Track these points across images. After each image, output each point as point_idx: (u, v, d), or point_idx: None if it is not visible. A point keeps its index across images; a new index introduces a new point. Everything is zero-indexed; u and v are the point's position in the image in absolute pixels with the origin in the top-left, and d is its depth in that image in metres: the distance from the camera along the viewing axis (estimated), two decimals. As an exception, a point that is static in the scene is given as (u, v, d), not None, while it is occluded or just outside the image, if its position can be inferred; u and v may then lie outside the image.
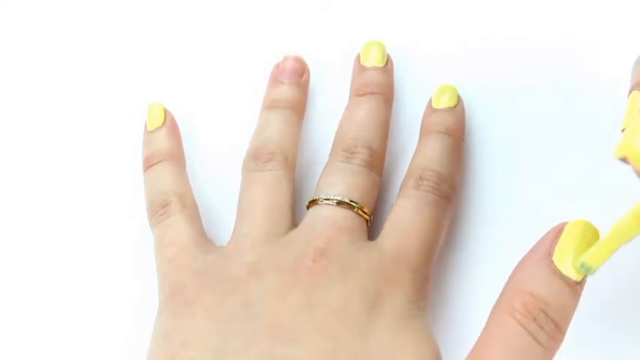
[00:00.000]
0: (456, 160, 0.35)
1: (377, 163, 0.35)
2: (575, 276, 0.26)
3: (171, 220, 0.34)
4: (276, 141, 0.35)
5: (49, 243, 0.38)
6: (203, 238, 0.34)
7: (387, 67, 0.37)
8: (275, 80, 0.38)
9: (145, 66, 0.40)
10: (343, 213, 0.33)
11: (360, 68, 0.37)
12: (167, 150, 0.37)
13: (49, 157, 0.39)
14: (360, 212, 0.33)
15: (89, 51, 0.41)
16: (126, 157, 0.38)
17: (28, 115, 0.40)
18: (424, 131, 0.36)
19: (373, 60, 0.37)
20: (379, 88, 0.36)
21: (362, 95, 0.36)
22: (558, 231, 0.27)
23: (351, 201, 0.33)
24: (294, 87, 0.37)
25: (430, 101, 0.36)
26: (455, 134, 0.35)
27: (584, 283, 0.27)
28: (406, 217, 0.33)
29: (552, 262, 0.26)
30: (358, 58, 0.37)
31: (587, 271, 0.26)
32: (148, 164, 0.36)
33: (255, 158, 0.35)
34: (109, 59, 0.40)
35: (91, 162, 0.39)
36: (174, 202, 0.35)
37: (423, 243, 0.32)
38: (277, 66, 0.38)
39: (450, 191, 0.34)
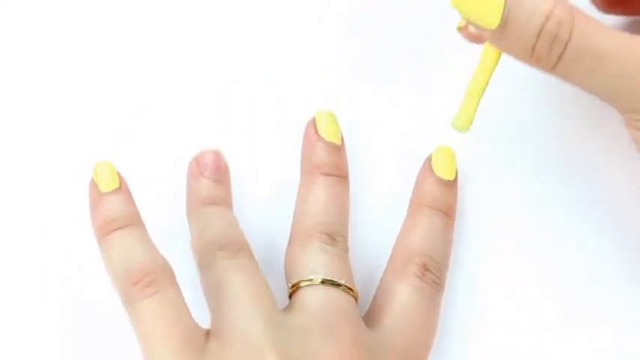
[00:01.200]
0: (450, 242, 0.35)
1: (343, 240, 0.34)
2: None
3: (165, 296, 0.31)
4: (226, 231, 0.34)
5: (48, 242, 0.37)
6: (194, 327, 0.31)
7: (342, 144, 0.36)
8: (199, 176, 0.36)
9: (145, 66, 0.40)
10: (346, 298, 0.32)
11: (316, 139, 0.36)
12: (130, 214, 0.33)
13: (49, 157, 0.39)
14: (346, 290, 0.33)
15: (89, 51, 0.40)
16: (126, 157, 0.38)
17: (27, 115, 0.40)
18: (423, 201, 0.35)
19: (331, 133, 0.36)
20: (341, 170, 0.36)
21: (326, 175, 0.35)
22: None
23: (350, 286, 0.33)
24: (221, 183, 0.36)
25: (429, 165, 0.36)
26: (451, 213, 0.35)
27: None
28: (411, 312, 0.33)
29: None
30: (313, 126, 0.36)
31: (460, 129, 0.31)
32: (109, 229, 0.32)
33: (222, 248, 0.33)
34: (109, 59, 0.40)
35: (90, 162, 0.38)
36: (160, 273, 0.31)
37: (427, 339, 0.33)
38: (196, 160, 0.37)
39: (445, 282, 0.34)
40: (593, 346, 0.35)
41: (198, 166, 0.36)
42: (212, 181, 0.36)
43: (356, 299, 0.33)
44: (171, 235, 0.36)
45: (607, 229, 0.36)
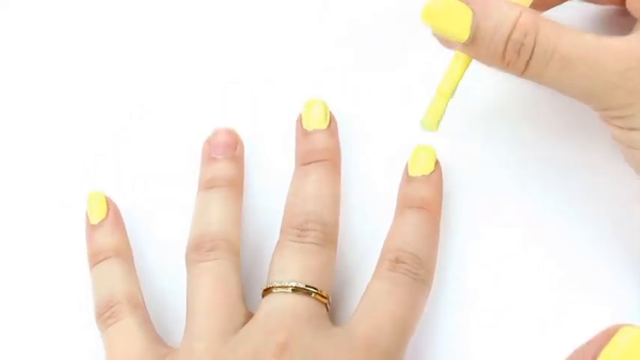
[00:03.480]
0: (433, 238, 0.34)
1: (330, 236, 0.33)
2: None
3: (121, 324, 0.33)
4: (217, 226, 0.34)
5: (48, 242, 0.37)
6: (156, 342, 0.33)
7: (331, 127, 0.36)
8: (208, 157, 0.36)
9: (145, 66, 0.40)
10: (300, 300, 0.31)
11: (302, 132, 0.36)
12: (113, 245, 0.35)
13: (49, 157, 0.39)
14: (318, 298, 0.32)
15: (89, 51, 0.41)
16: (126, 157, 0.38)
17: (27, 115, 0.40)
18: (400, 204, 0.35)
19: (315, 122, 0.36)
20: (325, 154, 0.35)
21: (308, 164, 0.35)
22: (607, 336, 0.24)
23: (307, 286, 0.32)
24: (229, 162, 0.36)
25: (407, 168, 0.35)
26: (431, 207, 0.34)
27: None
28: (379, 300, 0.32)
29: None
30: (300, 120, 0.36)
31: (427, 128, 0.32)
32: (95, 261, 0.35)
33: (198, 248, 0.33)
34: (109, 59, 0.40)
35: (90, 162, 0.39)
36: (124, 304, 0.33)
37: (396, 327, 0.31)
38: (208, 141, 0.37)
39: (426, 276, 0.33)
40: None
41: (208, 148, 0.36)
42: (217, 162, 0.36)
43: (321, 298, 0.32)
44: (172, 236, 0.36)
45: (597, 224, 0.36)
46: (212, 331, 0.31)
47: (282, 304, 0.31)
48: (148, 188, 0.37)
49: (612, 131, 0.31)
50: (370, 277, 0.33)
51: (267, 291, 0.32)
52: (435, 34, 0.32)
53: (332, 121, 0.36)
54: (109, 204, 0.36)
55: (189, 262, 0.33)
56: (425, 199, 0.34)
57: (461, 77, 0.31)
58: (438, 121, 0.32)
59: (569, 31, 0.29)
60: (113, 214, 0.36)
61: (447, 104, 0.32)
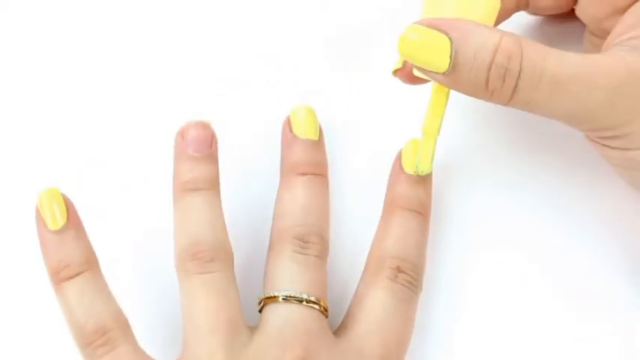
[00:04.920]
0: (425, 244, 0.34)
1: (327, 250, 0.33)
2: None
3: (117, 354, 0.30)
4: (212, 234, 0.32)
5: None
6: None
7: (321, 139, 0.35)
8: (184, 154, 0.33)
9: (145, 67, 0.40)
10: (310, 313, 0.31)
11: (294, 139, 0.35)
12: (83, 257, 0.31)
13: (49, 157, 0.39)
14: (322, 311, 0.32)
15: (88, 52, 0.41)
16: (126, 157, 0.38)
17: (27, 116, 0.40)
18: (394, 204, 0.34)
19: (308, 130, 0.35)
20: (320, 167, 0.35)
21: (303, 175, 0.34)
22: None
23: (316, 299, 0.31)
24: (208, 161, 0.33)
25: (399, 160, 0.35)
26: (425, 211, 0.34)
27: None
28: (385, 316, 0.32)
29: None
30: (289, 125, 0.35)
31: (425, 171, 0.33)
32: (62, 277, 0.30)
33: (193, 258, 0.31)
34: (109, 60, 0.40)
35: (90, 162, 0.39)
36: (116, 330, 0.30)
37: (400, 346, 0.32)
38: (182, 135, 0.33)
39: (420, 284, 0.33)
40: (576, 344, 0.34)
41: (182, 143, 0.33)
42: (195, 161, 0.33)
43: (324, 311, 0.32)
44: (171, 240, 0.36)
45: (591, 228, 0.35)
46: (220, 348, 0.30)
47: (293, 316, 0.31)
48: (148, 188, 0.37)
49: (606, 153, 0.30)
50: (361, 277, 0.33)
51: (270, 299, 0.31)
52: (395, 72, 0.31)
53: (321, 131, 0.36)
54: (67, 203, 0.31)
55: (184, 272, 0.31)
56: (421, 201, 0.34)
57: (444, 113, 0.31)
58: (432, 161, 0.32)
59: (553, 51, 0.28)
60: (74, 216, 0.31)
61: (435, 142, 0.31)
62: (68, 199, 0.31)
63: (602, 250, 0.35)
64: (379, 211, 0.35)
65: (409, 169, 0.34)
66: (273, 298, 0.31)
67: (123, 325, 0.31)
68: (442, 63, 0.28)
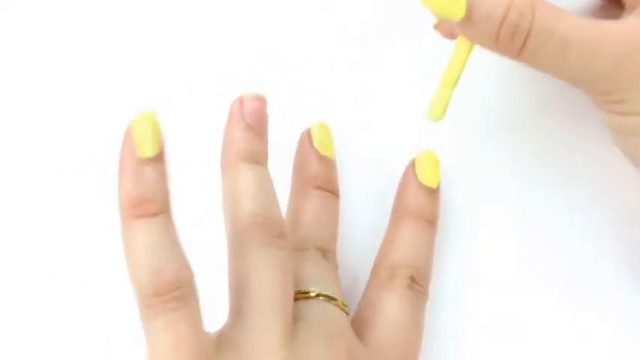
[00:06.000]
0: (433, 251, 0.35)
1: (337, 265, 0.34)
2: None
3: (188, 311, 0.26)
4: (276, 209, 0.30)
5: (48, 243, 0.38)
6: (205, 340, 0.28)
7: (334, 161, 0.36)
8: (241, 123, 0.31)
9: (145, 67, 0.40)
10: (341, 313, 0.31)
11: (316, 154, 0.35)
12: (165, 195, 0.27)
13: (48, 157, 0.39)
14: (347, 313, 0.32)
15: (88, 52, 0.41)
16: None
17: (27, 116, 0.40)
18: (405, 211, 0.34)
19: (329, 148, 0.36)
20: (336, 187, 0.35)
21: (321, 190, 0.34)
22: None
23: (342, 302, 0.32)
24: (263, 135, 0.31)
25: (411, 172, 0.35)
26: (434, 221, 0.35)
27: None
28: (404, 325, 0.32)
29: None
30: (309, 137, 0.35)
31: (434, 118, 0.32)
32: (138, 213, 0.27)
33: (262, 228, 0.29)
34: (109, 61, 0.40)
35: (90, 162, 0.39)
36: (189, 286, 0.27)
37: (417, 353, 0.33)
38: (239, 102, 0.31)
39: (428, 293, 0.34)
40: (584, 350, 0.35)
41: (240, 110, 0.31)
42: (253, 132, 0.31)
43: (347, 315, 0.32)
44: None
45: (599, 230, 0.36)
46: (278, 323, 0.28)
47: (331, 314, 0.31)
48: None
49: (606, 117, 0.31)
50: (370, 283, 0.34)
51: (302, 294, 0.31)
52: (435, 27, 0.32)
53: (334, 154, 0.36)
54: (163, 134, 0.27)
55: (242, 244, 0.29)
56: (431, 211, 0.35)
57: (464, 65, 0.32)
58: (444, 110, 0.32)
59: (567, 13, 0.29)
60: (165, 152, 0.27)
61: (451, 93, 0.32)
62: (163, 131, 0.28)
63: (617, 257, 0.35)
64: (380, 215, 0.35)
65: (424, 178, 0.35)
66: (305, 294, 0.31)
67: (194, 283, 0.27)
68: (458, 12, 0.29)
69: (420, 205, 0.34)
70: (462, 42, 0.32)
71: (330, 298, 0.31)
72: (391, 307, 0.32)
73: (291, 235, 0.33)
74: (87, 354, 0.35)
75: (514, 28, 0.29)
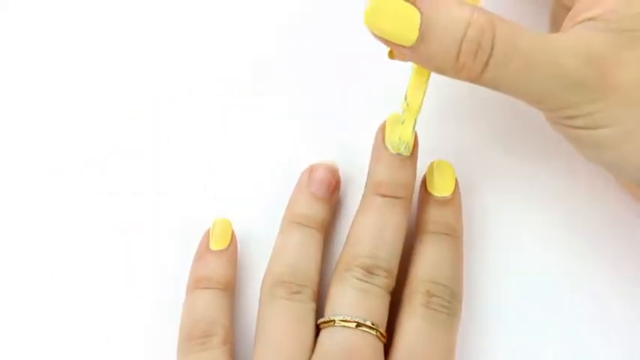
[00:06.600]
0: (460, 264, 0.33)
1: (391, 284, 0.32)
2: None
3: (210, 354, 0.32)
4: (306, 267, 0.33)
5: (47, 243, 0.37)
6: None
7: (413, 155, 0.33)
8: (304, 190, 0.34)
9: (145, 67, 0.40)
10: (365, 338, 0.31)
11: (381, 150, 0.33)
12: (225, 279, 0.34)
13: (48, 157, 0.39)
14: (379, 336, 0.31)
15: (88, 53, 0.41)
16: (126, 157, 0.38)
17: (27, 116, 0.40)
18: (423, 230, 0.33)
19: (397, 145, 0.32)
20: (400, 189, 0.33)
21: (382, 196, 0.32)
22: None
23: (372, 323, 0.31)
24: (324, 203, 0.34)
25: (424, 187, 0.33)
26: (456, 233, 0.33)
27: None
28: (426, 345, 0.31)
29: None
30: (382, 132, 0.33)
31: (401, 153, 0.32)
32: (200, 285, 0.33)
33: (284, 284, 0.32)
34: (109, 61, 0.40)
35: (90, 162, 0.39)
36: (220, 337, 0.32)
37: None
38: (309, 171, 0.34)
39: (457, 307, 0.32)
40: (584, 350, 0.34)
41: (307, 179, 0.34)
42: (314, 200, 0.34)
43: (381, 337, 0.31)
44: (170, 242, 0.36)
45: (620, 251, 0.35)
46: None
47: (349, 341, 0.30)
48: (146, 191, 0.38)
49: (571, 134, 0.29)
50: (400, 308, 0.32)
51: (327, 323, 0.31)
52: (390, 55, 0.30)
53: (416, 144, 0.33)
54: (233, 236, 0.35)
55: (267, 294, 0.32)
56: (449, 223, 0.33)
57: (426, 89, 0.30)
58: (411, 143, 0.31)
59: (524, 29, 0.28)
60: (234, 248, 0.34)
61: (416, 120, 0.30)
62: (234, 233, 0.35)
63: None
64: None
65: (435, 192, 0.33)
66: (329, 322, 0.31)
67: (227, 337, 0.32)
68: (410, 34, 0.27)
69: (436, 221, 0.33)
70: (418, 68, 0.29)
71: (358, 324, 0.30)
72: (410, 327, 0.31)
73: (344, 251, 0.33)
74: (87, 354, 0.35)
75: (476, 46, 0.27)
